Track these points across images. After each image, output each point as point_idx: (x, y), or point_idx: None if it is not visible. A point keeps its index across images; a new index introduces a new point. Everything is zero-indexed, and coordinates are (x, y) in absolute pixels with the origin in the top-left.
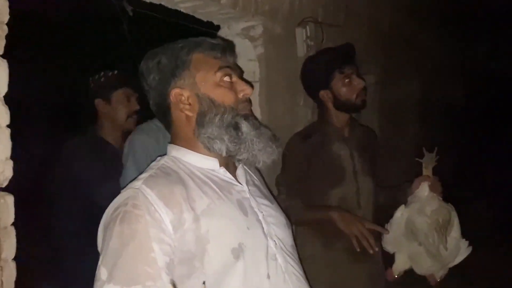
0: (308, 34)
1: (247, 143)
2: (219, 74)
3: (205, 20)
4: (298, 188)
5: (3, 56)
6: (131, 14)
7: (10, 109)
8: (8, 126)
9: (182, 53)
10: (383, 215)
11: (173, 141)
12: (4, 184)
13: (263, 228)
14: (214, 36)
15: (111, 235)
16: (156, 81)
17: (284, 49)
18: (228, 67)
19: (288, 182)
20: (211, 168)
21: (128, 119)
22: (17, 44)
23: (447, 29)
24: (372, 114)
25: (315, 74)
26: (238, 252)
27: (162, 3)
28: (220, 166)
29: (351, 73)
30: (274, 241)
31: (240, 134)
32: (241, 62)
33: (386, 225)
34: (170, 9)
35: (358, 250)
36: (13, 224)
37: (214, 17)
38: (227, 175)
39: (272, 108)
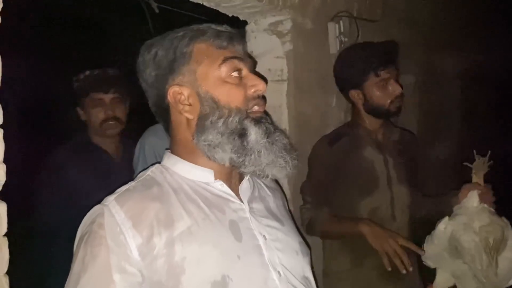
0: (342, 30)
1: (253, 154)
2: (224, 68)
3: (230, 15)
4: (325, 197)
5: None
6: (157, 10)
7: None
8: (0, 126)
9: (182, 43)
10: (424, 228)
11: (171, 147)
12: None
13: (263, 256)
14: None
15: (76, 257)
16: (153, 77)
17: (315, 46)
18: (236, 57)
19: (313, 190)
20: (204, 180)
21: (103, 125)
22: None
23: (491, 30)
24: (410, 116)
25: (349, 71)
26: (220, 287)
27: None
28: (217, 178)
29: (389, 77)
30: (278, 271)
31: (245, 143)
32: (268, 60)
33: (427, 236)
34: (195, 4)
35: (389, 269)
36: (5, 234)
37: (239, 11)
38: (224, 189)
39: (301, 109)
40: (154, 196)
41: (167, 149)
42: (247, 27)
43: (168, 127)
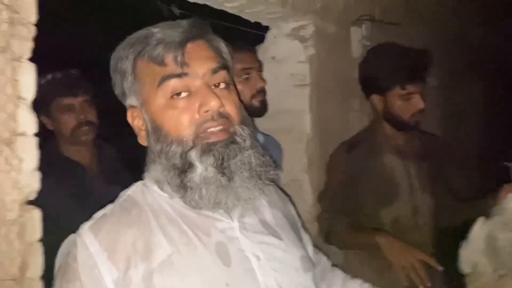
0: (364, 34)
1: (196, 194)
2: (161, 92)
3: (252, 20)
4: (343, 206)
5: (31, 59)
6: (178, 16)
7: None
8: (35, 134)
9: (125, 58)
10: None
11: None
12: (31, 197)
13: (257, 280)
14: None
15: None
16: (115, 91)
17: (337, 50)
18: (175, 76)
19: (331, 198)
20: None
21: (75, 132)
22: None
23: None
24: (434, 119)
25: (374, 75)
26: None
27: (208, 3)
28: None
29: (414, 91)
30: None
31: (186, 181)
32: (290, 64)
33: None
34: (217, 10)
35: (405, 284)
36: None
37: (261, 17)
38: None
39: (323, 113)
40: (132, 222)
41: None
42: (269, 32)
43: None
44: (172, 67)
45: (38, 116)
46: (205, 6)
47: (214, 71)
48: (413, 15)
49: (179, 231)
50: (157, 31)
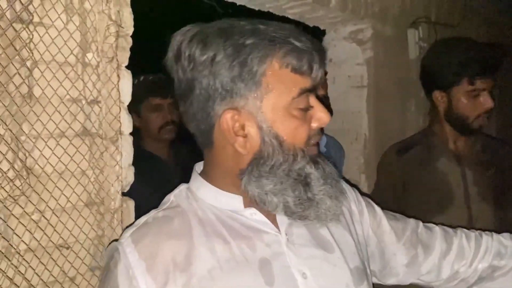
0: (421, 36)
1: (316, 206)
2: (296, 104)
3: (311, 25)
4: (392, 210)
5: (127, 67)
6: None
7: None
8: (130, 134)
9: (253, 57)
10: None
11: (203, 166)
12: (126, 189)
13: None
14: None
15: None
16: (204, 87)
17: (394, 52)
18: (314, 90)
19: (378, 202)
20: (232, 208)
21: (161, 130)
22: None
23: None
24: (489, 123)
25: (440, 67)
26: None
27: (270, 10)
28: (248, 205)
29: (484, 88)
30: None
31: (310, 194)
32: (348, 67)
33: None
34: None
35: None
36: None
37: (321, 21)
38: (256, 218)
39: (380, 114)
40: (174, 233)
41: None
42: (327, 36)
43: (204, 144)
44: (308, 80)
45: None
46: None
47: (321, 82)
48: (470, 16)
49: (223, 243)
50: (288, 34)
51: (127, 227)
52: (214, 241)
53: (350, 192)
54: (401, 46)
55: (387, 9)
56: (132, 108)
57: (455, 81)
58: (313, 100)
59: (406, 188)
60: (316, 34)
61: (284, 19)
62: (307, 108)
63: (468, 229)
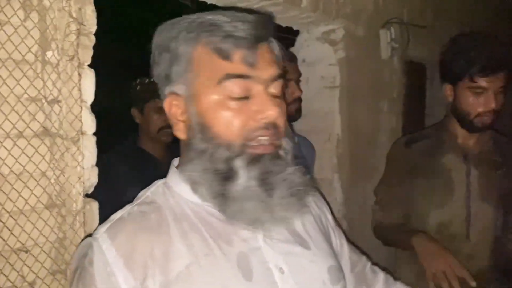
0: (393, 36)
1: (235, 206)
2: (222, 89)
3: (284, 25)
4: (396, 200)
5: (90, 65)
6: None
7: None
8: (94, 134)
9: (182, 40)
10: None
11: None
12: (90, 191)
13: None
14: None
15: None
16: (155, 73)
17: (367, 53)
18: (243, 76)
19: (385, 190)
20: (209, 203)
21: (160, 132)
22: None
23: None
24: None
25: (451, 61)
26: None
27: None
28: None
29: (488, 87)
30: None
31: (227, 190)
32: (320, 67)
33: None
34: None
35: None
36: None
37: (294, 22)
38: None
39: (353, 114)
40: (151, 227)
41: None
42: (300, 36)
43: (176, 134)
44: (238, 66)
45: (131, 108)
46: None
47: (275, 79)
48: (442, 17)
49: (201, 239)
50: (224, 20)
51: (99, 226)
52: (192, 236)
53: (324, 204)
54: (373, 47)
55: (359, 10)
56: (137, 105)
57: (459, 76)
58: (257, 90)
59: (410, 179)
60: (290, 34)
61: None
62: (245, 99)
63: (466, 226)
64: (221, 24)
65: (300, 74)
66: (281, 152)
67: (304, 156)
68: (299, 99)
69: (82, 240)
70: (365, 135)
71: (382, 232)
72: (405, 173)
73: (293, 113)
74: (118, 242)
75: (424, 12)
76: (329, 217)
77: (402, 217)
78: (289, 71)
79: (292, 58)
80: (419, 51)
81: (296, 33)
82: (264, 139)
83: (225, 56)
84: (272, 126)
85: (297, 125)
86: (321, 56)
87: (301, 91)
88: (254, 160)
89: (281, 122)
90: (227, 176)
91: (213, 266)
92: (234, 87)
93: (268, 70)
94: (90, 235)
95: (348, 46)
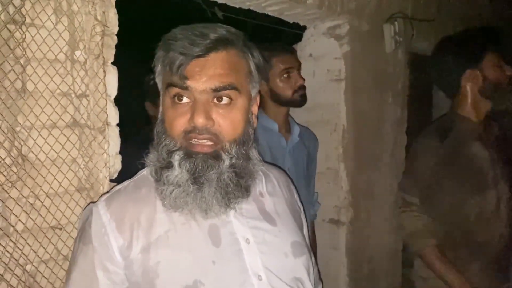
0: (397, 30)
1: (165, 191)
2: (167, 93)
3: (291, 21)
4: (430, 198)
5: (113, 63)
6: (222, 19)
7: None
8: (117, 125)
9: (159, 52)
10: None
11: None
12: (114, 176)
13: (243, 261)
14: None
15: (74, 248)
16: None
17: (371, 46)
18: (175, 85)
19: (419, 189)
20: None
21: None
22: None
23: None
24: None
25: (467, 46)
26: None
27: (251, 7)
28: None
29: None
30: (259, 275)
31: (163, 178)
32: (326, 61)
33: None
34: (257, 12)
35: None
36: None
37: (300, 18)
38: None
39: (358, 106)
40: (140, 199)
41: None
42: (306, 31)
43: None
44: (176, 79)
45: (143, 101)
46: (247, 10)
47: (216, 90)
48: (446, 10)
49: (180, 211)
50: (178, 37)
51: (101, 196)
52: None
53: (295, 193)
54: (377, 41)
55: (363, 5)
56: (151, 98)
57: (484, 53)
58: (194, 100)
59: (446, 173)
60: (297, 30)
61: (265, 17)
62: (188, 104)
63: (497, 208)
64: (172, 42)
65: (300, 64)
66: (223, 154)
67: (307, 147)
68: (303, 87)
69: (86, 206)
70: (370, 125)
71: (419, 251)
72: (441, 167)
73: (299, 99)
74: (112, 209)
75: (428, 6)
76: (300, 206)
77: (436, 213)
78: (287, 62)
79: (290, 50)
80: (424, 44)
81: (303, 28)
82: (197, 141)
83: (169, 68)
84: (205, 131)
85: (305, 117)
86: (327, 50)
87: (303, 79)
88: (188, 155)
89: (224, 127)
90: (165, 166)
91: (187, 233)
92: (172, 92)
93: (205, 83)
94: (93, 202)
95: (353, 40)
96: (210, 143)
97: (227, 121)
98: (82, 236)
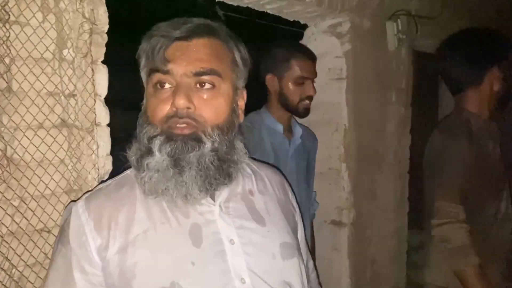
0: (400, 28)
1: (145, 177)
2: (149, 82)
3: (291, 19)
4: (465, 200)
5: (104, 62)
6: (223, 18)
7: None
8: (108, 125)
9: (144, 41)
10: None
11: None
12: (105, 177)
13: (226, 262)
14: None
15: (53, 248)
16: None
17: (373, 44)
18: (157, 70)
19: (457, 196)
20: None
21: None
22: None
23: None
24: None
25: (493, 42)
26: None
27: (249, 5)
28: None
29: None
30: (242, 278)
31: (143, 163)
32: (327, 60)
33: None
34: (258, 11)
35: None
36: None
37: (300, 16)
38: None
39: (360, 105)
40: (120, 198)
41: None
42: (307, 30)
43: None
44: (157, 63)
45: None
46: (247, 8)
47: (197, 74)
48: (451, 7)
49: (160, 210)
50: (161, 25)
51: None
52: (153, 208)
53: (289, 193)
54: (380, 39)
55: (365, 3)
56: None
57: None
58: (175, 84)
59: (472, 175)
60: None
61: (263, 15)
62: (169, 90)
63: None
64: (156, 30)
65: (316, 75)
66: (204, 137)
67: (307, 147)
68: (310, 98)
69: (67, 204)
70: (373, 125)
71: (453, 262)
72: (470, 169)
73: (302, 111)
74: (91, 208)
75: (432, 3)
76: (295, 205)
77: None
78: (305, 70)
79: (313, 59)
80: (429, 41)
81: (304, 27)
82: (179, 125)
83: (150, 55)
84: (186, 114)
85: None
86: (328, 49)
87: (314, 91)
88: (168, 139)
89: (205, 112)
90: (145, 153)
91: (166, 232)
92: (154, 79)
93: (186, 66)
94: (75, 200)
95: (354, 38)
96: (190, 126)
97: (209, 106)
98: (61, 236)
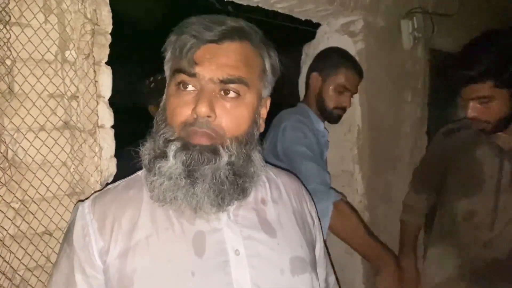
0: (416, 26)
1: (155, 182)
2: (172, 83)
3: (303, 18)
4: (428, 183)
5: (107, 63)
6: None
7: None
8: (112, 127)
9: (171, 37)
10: None
11: None
12: (110, 180)
13: (228, 275)
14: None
15: (60, 247)
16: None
17: (388, 43)
18: (182, 71)
19: (420, 175)
20: None
21: None
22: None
23: None
24: None
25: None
26: None
27: (259, 4)
28: None
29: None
30: None
31: (156, 168)
32: None
33: None
34: (270, 10)
35: None
36: None
37: (312, 15)
38: None
39: (374, 105)
40: (126, 200)
41: None
42: (320, 29)
43: None
44: (184, 64)
45: (147, 106)
46: (258, 8)
47: (224, 81)
48: (469, 5)
49: (165, 216)
50: (194, 22)
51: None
52: (158, 212)
53: (310, 202)
54: (394, 37)
55: (378, 1)
56: (154, 101)
57: None
58: (199, 88)
59: (445, 168)
60: (309, 27)
61: (275, 14)
62: (193, 93)
63: (492, 217)
64: (186, 26)
65: (356, 91)
66: (221, 150)
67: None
68: (344, 109)
69: (76, 203)
70: (388, 125)
71: (405, 220)
72: (439, 161)
73: (334, 117)
74: (97, 208)
75: (450, 1)
76: (314, 215)
77: (427, 200)
78: (349, 81)
79: (359, 73)
80: (445, 40)
81: (317, 26)
82: (197, 133)
83: (177, 54)
84: (205, 124)
85: None
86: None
87: (350, 103)
88: (185, 147)
89: (226, 122)
90: (159, 156)
91: (169, 239)
92: (178, 78)
93: (214, 71)
94: (82, 200)
95: (368, 37)
96: (209, 136)
97: (231, 116)
98: (67, 236)
